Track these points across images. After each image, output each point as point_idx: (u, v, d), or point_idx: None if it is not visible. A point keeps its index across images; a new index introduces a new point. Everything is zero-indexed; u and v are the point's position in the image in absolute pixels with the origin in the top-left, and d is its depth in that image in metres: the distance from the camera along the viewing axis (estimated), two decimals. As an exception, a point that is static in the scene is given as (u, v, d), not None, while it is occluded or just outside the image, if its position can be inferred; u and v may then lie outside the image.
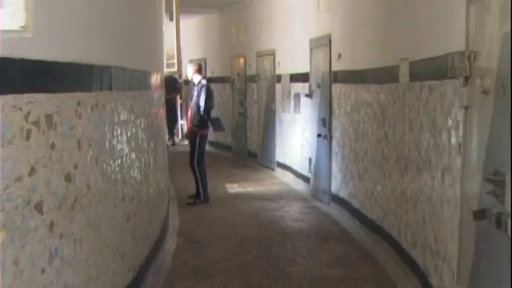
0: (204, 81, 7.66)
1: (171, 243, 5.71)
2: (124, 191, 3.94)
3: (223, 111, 12.93)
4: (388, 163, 5.25)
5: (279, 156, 9.96)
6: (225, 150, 12.74)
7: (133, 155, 4.26)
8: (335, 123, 7.03)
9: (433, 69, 3.96)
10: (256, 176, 9.78)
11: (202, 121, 7.58)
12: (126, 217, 3.99)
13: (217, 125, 7.93)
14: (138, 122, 4.50)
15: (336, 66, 6.91)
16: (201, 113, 7.52)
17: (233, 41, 12.20)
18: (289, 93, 9.24)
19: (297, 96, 8.77)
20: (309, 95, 8.05)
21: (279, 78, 9.80)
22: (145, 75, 5.02)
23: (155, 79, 5.62)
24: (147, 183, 4.86)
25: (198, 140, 7.61)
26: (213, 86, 13.34)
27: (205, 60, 13.83)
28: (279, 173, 9.88)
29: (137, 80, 4.57)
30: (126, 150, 4.05)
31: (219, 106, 13.22)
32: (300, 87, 8.62)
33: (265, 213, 7.06)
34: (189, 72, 7.71)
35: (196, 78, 7.69)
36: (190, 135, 7.72)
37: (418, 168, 4.36)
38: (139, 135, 4.55)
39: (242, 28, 11.68)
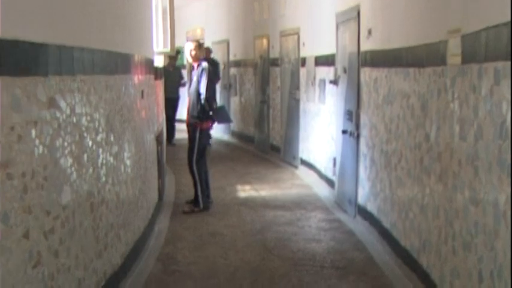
0: (204, 64, 6.29)
1: (140, 274, 4.41)
2: (27, 224, 2.65)
3: (246, 99, 11.60)
4: (429, 178, 3.80)
5: (303, 153, 8.57)
6: (247, 142, 11.41)
7: (53, 169, 2.95)
8: (364, 118, 5.59)
9: (501, 43, 2.50)
10: (275, 176, 8.41)
11: (204, 112, 6.24)
12: (31, 261, 2.70)
13: (223, 115, 6.58)
14: (64, 119, 3.18)
15: (366, 46, 5.45)
16: (202, 102, 6.18)
17: (256, 19, 10.80)
18: (314, 78, 7.81)
19: (322, 82, 7.34)
20: (334, 82, 6.61)
21: (303, 62, 8.38)
22: (93, 55, 3.68)
23: (122, 61, 4.31)
24: (93, 202, 3.57)
25: (197, 134, 6.27)
26: (236, 70, 12.11)
27: (228, 42, 12.48)
28: (302, 172, 8.49)
29: (61, 60, 3.25)
30: (33, 165, 2.74)
31: (242, 93, 11.91)
32: (326, 72, 7.19)
33: (275, 227, 5.69)
34: (187, 51, 6.34)
35: (199, 57, 6.33)
36: (189, 128, 6.39)
37: (473, 194, 2.92)
38: (72, 139, 3.24)
39: (265, 4, 10.26)
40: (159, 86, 6.59)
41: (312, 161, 8.13)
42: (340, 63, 6.38)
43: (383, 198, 5.01)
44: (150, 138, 5.64)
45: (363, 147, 5.62)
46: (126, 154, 4.25)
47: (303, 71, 8.43)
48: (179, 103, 11.70)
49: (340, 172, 6.47)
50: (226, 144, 11.69)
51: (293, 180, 8.05)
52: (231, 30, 12.26)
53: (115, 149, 3.94)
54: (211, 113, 6.33)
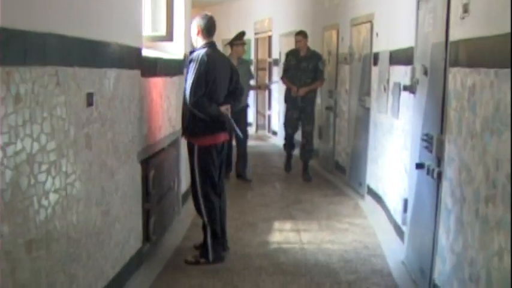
0: (198, 52, 4.32)
1: None
2: None
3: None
4: None
5: (371, 179, 6.48)
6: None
7: None
8: (450, 149, 3.46)
9: None
10: (331, 208, 6.36)
11: (197, 122, 4.35)
12: None
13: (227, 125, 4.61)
14: None
15: (458, 32, 3.32)
16: (189, 106, 4.28)
17: (326, 6, 8.76)
18: (388, 82, 5.70)
19: (397, 87, 5.23)
20: (410, 88, 4.50)
21: (376, 58, 6.28)
22: None
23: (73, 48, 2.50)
24: None
25: (195, 156, 4.38)
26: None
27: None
28: (368, 205, 6.40)
29: None
30: None
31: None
32: (402, 74, 5.08)
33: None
34: (193, 33, 4.42)
35: (200, 43, 4.42)
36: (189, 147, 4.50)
37: None
38: None
39: (337, -13, 8.21)
40: (157, 86, 4.73)
41: (380, 192, 6.03)
42: (419, 60, 4.26)
43: (476, 294, 2.89)
44: (125, 163, 3.82)
45: (446, 196, 3.49)
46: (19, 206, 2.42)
47: (375, 71, 6.33)
48: (247, 116, 7.88)
49: (412, 223, 4.36)
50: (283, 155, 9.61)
51: (353, 218, 5.96)
52: (300, 21, 10.24)
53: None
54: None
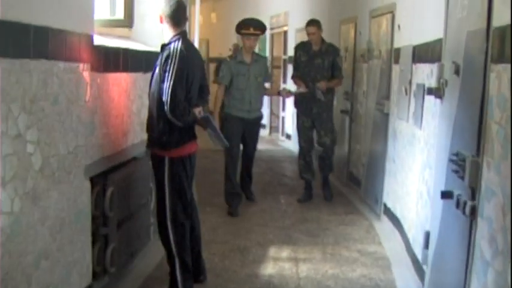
0: (177, 44, 3.45)
1: None
2: None
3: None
4: None
5: (388, 197, 5.52)
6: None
7: None
8: (490, 177, 2.49)
9: None
10: (340, 230, 5.42)
11: (171, 131, 3.47)
12: None
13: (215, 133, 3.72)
14: None
15: (506, 14, 2.37)
16: (169, 115, 3.39)
17: (344, -3, 7.83)
18: (410, 82, 4.75)
19: (420, 90, 4.27)
20: (437, 92, 3.54)
21: (397, 55, 5.33)
22: None
23: None
24: None
25: (166, 170, 3.50)
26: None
27: (311, 29, 9.54)
28: (384, 227, 5.45)
29: None
30: None
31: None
32: (427, 73, 4.13)
33: None
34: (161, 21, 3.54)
35: (168, 35, 3.54)
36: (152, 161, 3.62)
37: None
38: None
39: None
40: (121, 84, 3.83)
41: (398, 214, 5.07)
42: (449, 55, 3.31)
43: None
44: (61, 183, 2.94)
45: (482, 241, 2.53)
46: None
47: (395, 70, 5.38)
48: (259, 130, 6.54)
49: (434, 265, 3.40)
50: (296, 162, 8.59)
51: (365, 245, 5.02)
52: (315, 14, 9.27)
53: None
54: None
